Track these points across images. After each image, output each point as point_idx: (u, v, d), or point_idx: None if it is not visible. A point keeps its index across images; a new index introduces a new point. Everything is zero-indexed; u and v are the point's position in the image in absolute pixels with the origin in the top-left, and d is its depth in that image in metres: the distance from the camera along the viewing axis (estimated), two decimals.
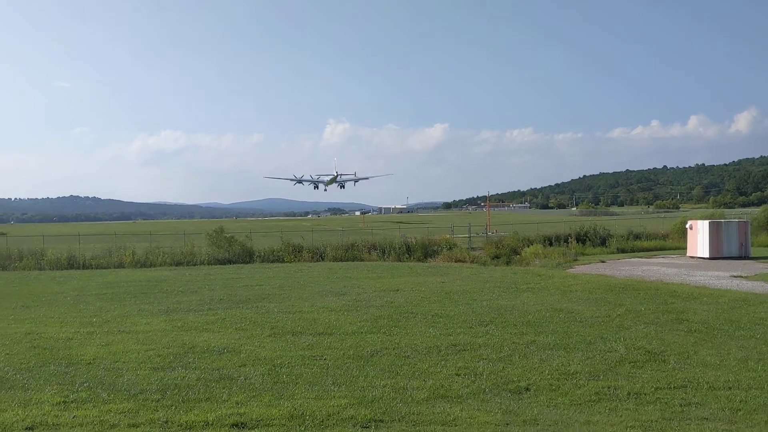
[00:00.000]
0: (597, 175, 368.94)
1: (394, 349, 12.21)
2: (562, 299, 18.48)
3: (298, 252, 38.34)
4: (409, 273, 27.50)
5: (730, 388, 9.39)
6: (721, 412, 8.35)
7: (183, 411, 8.57)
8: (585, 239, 41.98)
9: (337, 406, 8.69)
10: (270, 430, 7.83)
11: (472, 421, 8.08)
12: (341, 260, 36.96)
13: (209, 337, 13.60)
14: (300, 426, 7.95)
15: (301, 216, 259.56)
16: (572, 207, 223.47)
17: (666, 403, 8.75)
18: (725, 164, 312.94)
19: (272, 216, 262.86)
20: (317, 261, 36.90)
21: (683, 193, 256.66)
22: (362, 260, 37.06)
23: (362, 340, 13.01)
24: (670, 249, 40.63)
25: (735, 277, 23.97)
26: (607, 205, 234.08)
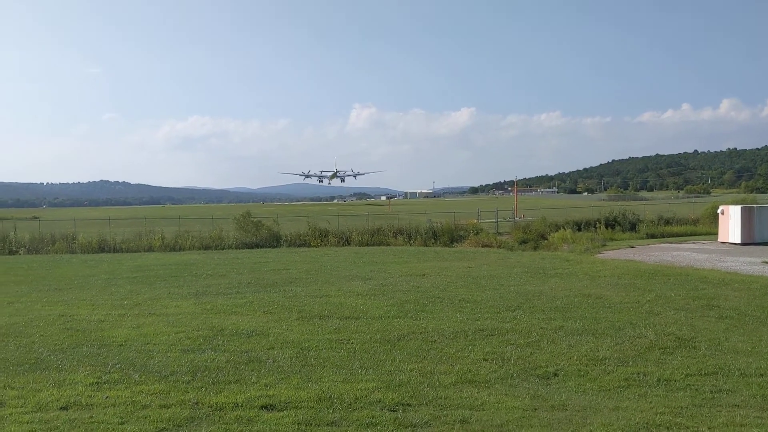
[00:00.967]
0: (626, 159, 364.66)
1: (420, 333, 12.23)
2: (590, 284, 18.33)
3: (325, 236, 38.41)
4: (435, 258, 27.46)
5: (761, 374, 9.26)
6: (752, 399, 8.24)
7: (213, 393, 8.68)
8: (614, 224, 41.47)
9: (365, 389, 8.74)
10: (298, 412, 7.90)
11: (499, 405, 8.08)
12: (367, 245, 37.00)
13: (238, 320, 13.74)
14: (328, 408, 8.01)
15: (327, 200, 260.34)
16: (601, 192, 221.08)
17: (696, 389, 8.65)
18: (758, 148, 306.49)
19: (299, 200, 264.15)
20: (343, 245, 36.97)
21: (714, 177, 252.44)
22: (388, 245, 37.06)
23: (389, 325, 13.04)
24: (700, 234, 40.01)
25: (767, 263, 23.54)
26: (636, 190, 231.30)
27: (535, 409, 7.94)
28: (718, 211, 34.61)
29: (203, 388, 8.89)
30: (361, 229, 40.09)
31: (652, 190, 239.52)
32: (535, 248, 35.07)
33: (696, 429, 7.24)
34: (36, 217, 68.21)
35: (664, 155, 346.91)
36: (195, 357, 10.64)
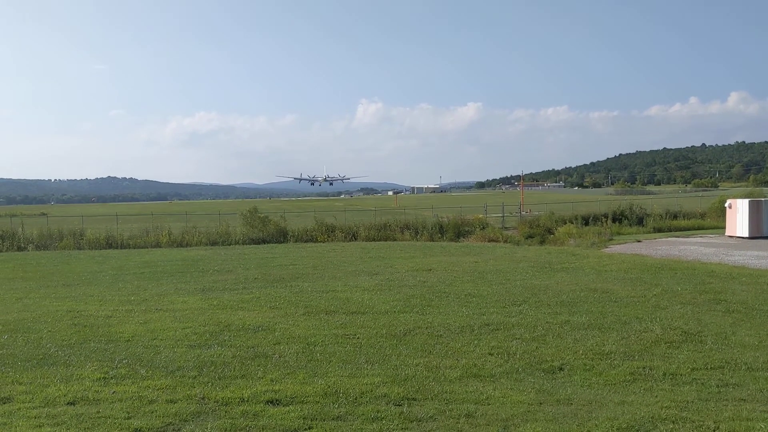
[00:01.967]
0: (633, 153, 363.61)
1: (427, 328, 12.24)
2: (597, 279, 18.29)
3: (331, 232, 38.44)
4: (441, 253, 27.45)
5: None
6: (759, 393, 8.21)
7: (219, 388, 8.72)
8: (621, 219, 41.33)
9: (371, 384, 8.76)
10: (304, 407, 7.93)
11: (505, 400, 8.08)
12: (374, 240, 37.01)
13: (244, 316, 13.79)
14: (334, 403, 8.03)
15: (333, 196, 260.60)
16: (608, 186, 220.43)
17: (703, 383, 8.63)
18: (766, 142, 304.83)
19: (306, 196, 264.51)
20: (350, 241, 36.99)
21: (722, 171, 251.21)
22: (395, 240, 37.07)
23: (395, 319, 13.06)
24: (708, 228, 39.84)
25: None
26: (644, 184, 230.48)
27: (541, 404, 7.94)
28: (726, 204, 34.42)
29: (210, 383, 8.93)
30: (368, 224, 40.09)
31: (659, 184, 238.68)
32: (542, 243, 35.04)
33: (702, 423, 7.22)
34: (44, 214, 68.53)
35: (671, 149, 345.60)
36: (202, 352, 10.68)
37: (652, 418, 7.37)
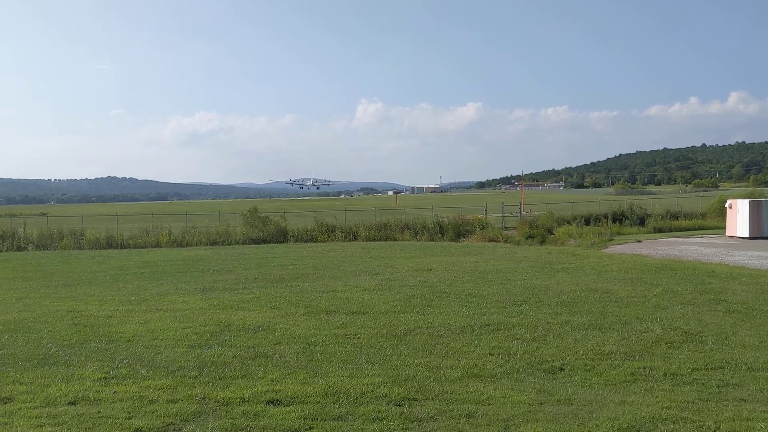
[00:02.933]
0: (633, 153, 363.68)
1: (427, 328, 12.24)
2: (597, 279, 18.29)
3: (332, 232, 38.45)
4: (442, 252, 27.46)
5: None
6: (759, 393, 8.21)
7: (220, 387, 8.72)
8: (621, 219, 41.34)
9: (371, 384, 8.76)
10: (305, 407, 7.93)
11: (505, 400, 8.08)
12: (374, 240, 37.02)
13: (245, 316, 13.79)
14: (335, 403, 8.03)
15: (334, 196, 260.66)
16: (608, 186, 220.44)
17: (703, 384, 8.63)
18: (767, 142, 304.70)
19: (306, 196, 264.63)
20: (350, 241, 37.00)
21: (722, 171, 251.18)
22: (395, 240, 37.08)
23: (395, 319, 13.06)
24: (708, 228, 39.85)
25: None
26: (644, 184, 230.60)
27: (541, 404, 7.94)
28: (726, 205, 34.42)
29: (210, 383, 8.93)
30: (368, 224, 40.12)
31: (660, 184, 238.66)
32: (542, 243, 35.05)
33: (702, 423, 7.22)
34: (44, 214, 68.59)
35: (672, 149, 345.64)
36: (202, 352, 10.68)
37: (653, 418, 7.37)
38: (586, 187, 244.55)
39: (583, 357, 10.02)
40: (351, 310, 14.22)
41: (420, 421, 7.44)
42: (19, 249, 35.04)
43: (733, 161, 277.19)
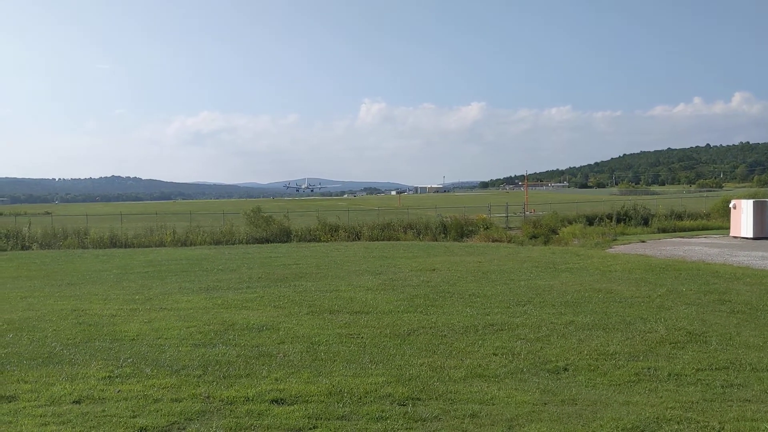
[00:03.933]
0: (637, 153, 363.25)
1: (431, 328, 12.24)
2: (601, 279, 18.27)
3: (335, 231, 38.45)
4: (445, 252, 27.44)
5: None
6: (763, 393, 8.20)
7: (224, 386, 8.73)
8: (625, 219, 41.30)
9: (375, 383, 8.76)
10: (309, 406, 7.94)
11: (509, 400, 8.08)
12: (377, 240, 37.00)
13: (248, 315, 13.80)
14: (338, 403, 8.04)
15: (337, 196, 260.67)
16: (612, 186, 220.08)
17: (707, 384, 8.62)
18: None
19: (309, 195, 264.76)
20: (353, 240, 36.99)
21: (727, 171, 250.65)
22: (398, 240, 37.05)
23: (399, 319, 13.06)
24: (712, 229, 39.78)
25: None
26: (648, 184, 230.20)
27: (545, 404, 7.94)
28: (730, 205, 34.36)
29: (214, 382, 8.94)
30: (371, 224, 40.11)
31: (663, 184, 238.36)
32: (546, 243, 35.01)
33: (707, 424, 7.21)
34: (48, 213, 68.73)
35: (675, 149, 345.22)
36: (206, 351, 10.70)
37: (657, 418, 7.37)
38: (590, 187, 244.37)
39: (587, 357, 10.01)
40: (354, 309, 14.22)
41: (424, 421, 7.44)
42: (24, 248, 35.09)
43: (737, 161, 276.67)
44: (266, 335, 11.83)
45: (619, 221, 40.33)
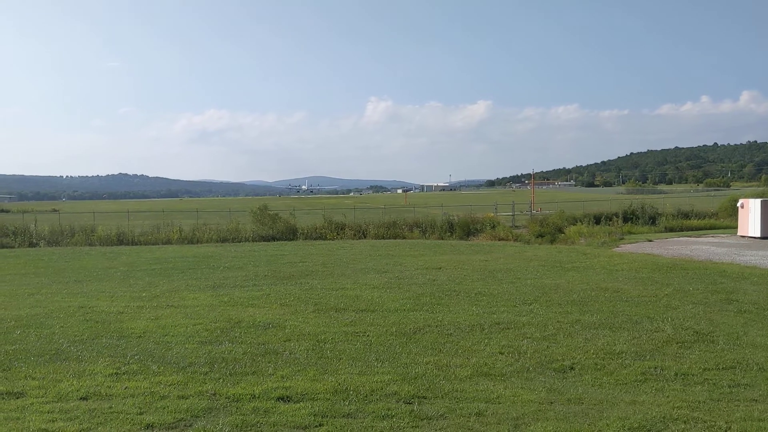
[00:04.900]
0: (644, 152, 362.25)
1: (436, 326, 12.24)
2: (607, 278, 18.23)
3: (341, 229, 38.47)
4: (451, 251, 27.43)
5: None
6: None
7: (230, 384, 8.76)
8: (632, 218, 41.15)
9: (381, 381, 8.76)
10: (315, 404, 7.95)
11: (515, 399, 8.07)
12: (383, 238, 36.99)
13: (255, 313, 13.83)
14: (344, 401, 8.05)
15: (343, 194, 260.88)
16: (619, 185, 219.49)
17: (714, 384, 8.59)
18: None
19: (308, 197, 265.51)
20: (359, 238, 37.00)
21: (734, 170, 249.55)
22: (404, 238, 37.04)
23: (405, 318, 13.06)
24: (720, 228, 39.59)
25: None
26: (655, 183, 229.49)
27: (551, 403, 7.93)
28: (738, 204, 34.18)
29: (221, 380, 8.97)
30: (377, 222, 40.11)
31: (671, 183, 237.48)
32: (552, 242, 34.93)
33: (713, 423, 7.19)
34: (56, 210, 69.03)
35: (683, 148, 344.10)
36: (212, 349, 10.72)
37: (664, 418, 7.35)
38: (597, 186, 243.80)
39: (594, 356, 9.99)
40: (360, 307, 14.23)
41: (429, 419, 7.44)
42: (31, 245, 35.23)
43: (744, 160, 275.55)
44: (272, 333, 11.86)
45: (626, 220, 40.17)
